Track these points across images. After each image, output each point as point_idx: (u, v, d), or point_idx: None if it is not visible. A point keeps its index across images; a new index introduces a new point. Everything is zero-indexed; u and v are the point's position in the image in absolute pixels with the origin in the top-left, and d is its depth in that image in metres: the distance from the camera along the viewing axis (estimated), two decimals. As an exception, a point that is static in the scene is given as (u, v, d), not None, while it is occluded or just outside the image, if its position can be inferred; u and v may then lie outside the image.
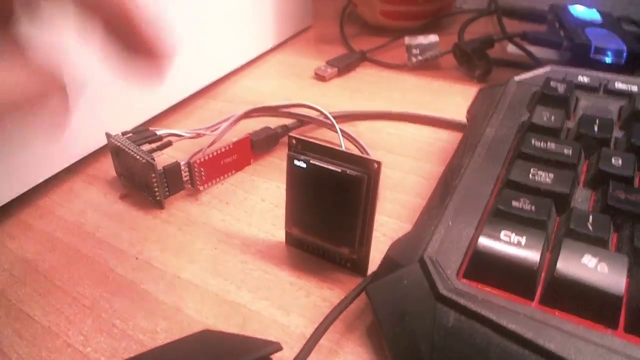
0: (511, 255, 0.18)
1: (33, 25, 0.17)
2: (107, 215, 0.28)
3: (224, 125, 0.32)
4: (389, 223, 0.27)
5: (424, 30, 0.49)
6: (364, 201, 0.21)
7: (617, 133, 0.25)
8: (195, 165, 0.28)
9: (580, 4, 0.45)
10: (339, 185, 0.22)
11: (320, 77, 0.43)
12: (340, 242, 0.23)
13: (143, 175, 0.28)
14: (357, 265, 0.23)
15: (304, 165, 0.22)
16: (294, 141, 0.23)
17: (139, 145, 0.29)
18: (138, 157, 0.28)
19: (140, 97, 0.35)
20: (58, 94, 0.16)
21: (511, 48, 0.45)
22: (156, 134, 0.30)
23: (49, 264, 0.25)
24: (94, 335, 0.21)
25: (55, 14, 0.17)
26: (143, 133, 0.30)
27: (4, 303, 0.23)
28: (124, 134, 0.30)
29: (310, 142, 0.23)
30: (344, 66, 0.44)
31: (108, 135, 0.30)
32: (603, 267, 0.17)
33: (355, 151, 0.31)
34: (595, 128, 0.24)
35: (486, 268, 0.18)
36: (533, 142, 0.24)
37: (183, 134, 0.31)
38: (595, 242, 0.18)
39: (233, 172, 0.31)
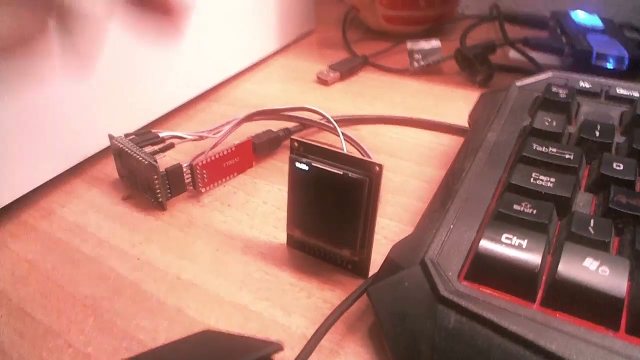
0: (512, 258, 0.18)
1: None
2: (109, 216, 0.29)
3: (226, 128, 0.32)
4: (391, 226, 0.27)
5: (426, 35, 0.50)
6: (366, 204, 0.22)
7: (619, 138, 0.25)
8: (198, 167, 0.29)
9: (582, 11, 0.45)
10: (340, 188, 0.22)
11: (322, 81, 0.44)
12: (342, 244, 0.23)
13: (145, 177, 0.28)
14: (359, 267, 0.23)
15: (306, 168, 0.22)
16: (296, 144, 0.23)
17: (141, 147, 0.29)
18: (140, 158, 0.28)
19: (143, 99, 0.35)
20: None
21: (513, 54, 0.45)
22: (159, 136, 0.31)
23: (50, 264, 0.25)
24: (95, 335, 0.22)
25: None
26: (145, 135, 0.30)
27: (5, 303, 0.23)
28: (126, 135, 0.30)
29: (312, 144, 0.23)
30: (346, 70, 0.44)
31: (111, 137, 0.30)
32: (604, 270, 0.17)
33: (357, 154, 0.31)
34: (597, 133, 0.25)
35: (487, 270, 0.18)
36: (534, 146, 0.24)
37: (185, 136, 0.31)
38: (597, 246, 0.18)
39: (235, 174, 0.31)
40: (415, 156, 0.33)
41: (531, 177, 0.22)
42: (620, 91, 0.29)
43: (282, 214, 0.28)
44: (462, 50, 0.43)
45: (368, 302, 0.21)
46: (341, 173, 0.21)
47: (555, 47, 0.41)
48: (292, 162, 0.23)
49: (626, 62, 0.37)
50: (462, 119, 0.34)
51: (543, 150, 0.23)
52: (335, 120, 0.32)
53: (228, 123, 0.33)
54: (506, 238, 0.18)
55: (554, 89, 0.28)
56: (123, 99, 0.34)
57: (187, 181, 0.29)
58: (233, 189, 0.30)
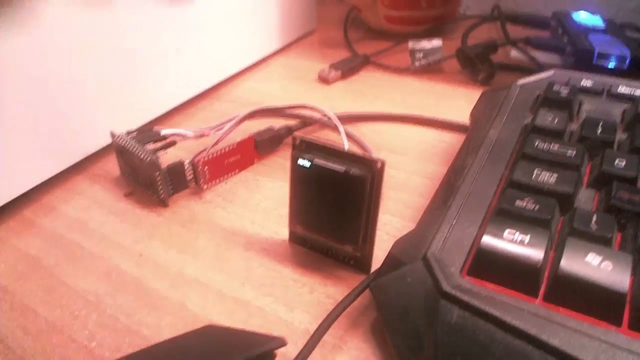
0: (515, 253, 0.18)
1: None
2: (111, 212, 0.29)
3: (228, 125, 0.32)
4: (393, 222, 0.27)
5: (428, 35, 0.50)
6: (368, 200, 0.22)
7: (621, 135, 0.25)
8: (199, 164, 0.29)
9: (584, 11, 0.45)
10: (342, 185, 0.22)
11: (323, 80, 0.44)
12: (344, 240, 0.23)
13: (147, 174, 0.28)
14: (361, 263, 0.24)
15: (308, 165, 0.22)
16: (297, 141, 0.23)
17: (143, 144, 0.29)
18: (142, 156, 0.28)
19: (144, 97, 0.35)
20: None
21: (514, 53, 0.45)
22: (160, 134, 0.31)
23: (53, 259, 0.25)
24: (98, 330, 0.22)
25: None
26: (147, 132, 0.31)
27: (8, 298, 0.23)
28: (128, 133, 0.30)
29: (314, 141, 0.23)
30: (347, 69, 0.44)
31: (113, 134, 0.30)
32: (607, 265, 0.17)
33: (358, 151, 0.31)
34: (599, 130, 0.25)
35: (490, 265, 0.18)
36: (536, 143, 0.24)
37: (187, 133, 0.31)
38: (599, 241, 0.18)
39: (237, 171, 0.31)
40: (417, 153, 0.33)
41: (533, 173, 0.22)
42: (622, 89, 0.29)
43: (284, 211, 0.28)
44: (463, 49, 0.43)
45: (370, 298, 0.21)
46: (343, 170, 0.22)
47: (556, 46, 0.41)
48: (294, 159, 0.23)
49: (628, 61, 0.37)
50: (463, 118, 0.34)
51: (545, 147, 0.23)
52: (336, 118, 0.32)
53: (230, 120, 0.33)
54: (509, 233, 0.18)
55: (556, 87, 0.28)
56: (124, 97, 0.34)
57: (189, 178, 0.29)
58: (235, 186, 0.30)
